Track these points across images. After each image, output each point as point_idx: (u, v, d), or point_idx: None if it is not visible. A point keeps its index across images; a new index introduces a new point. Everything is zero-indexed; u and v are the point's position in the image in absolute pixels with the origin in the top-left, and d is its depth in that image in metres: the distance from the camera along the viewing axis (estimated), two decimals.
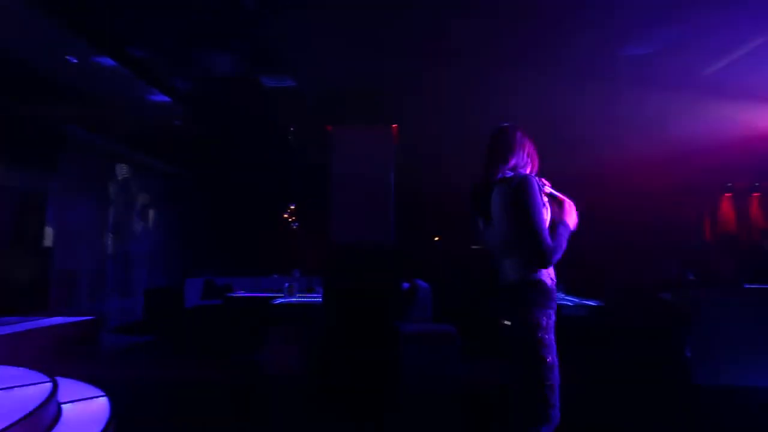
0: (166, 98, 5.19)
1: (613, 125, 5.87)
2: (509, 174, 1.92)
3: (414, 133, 5.25)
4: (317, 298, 5.36)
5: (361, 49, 4.33)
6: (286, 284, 6.15)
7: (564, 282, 5.50)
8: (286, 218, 9.29)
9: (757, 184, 7.94)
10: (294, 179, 8.48)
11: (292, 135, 6.11)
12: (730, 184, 8.30)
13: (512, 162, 1.95)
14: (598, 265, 5.94)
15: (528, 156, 2.00)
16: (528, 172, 1.97)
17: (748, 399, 3.98)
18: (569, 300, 5.31)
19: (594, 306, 5.12)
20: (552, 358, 1.80)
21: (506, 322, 1.82)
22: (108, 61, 4.35)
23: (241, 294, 6.83)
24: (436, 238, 9.23)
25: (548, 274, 1.84)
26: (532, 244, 1.78)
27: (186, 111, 5.66)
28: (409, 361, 4.47)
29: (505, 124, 2.07)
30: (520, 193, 1.81)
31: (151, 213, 8.07)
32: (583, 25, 4.15)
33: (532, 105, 5.27)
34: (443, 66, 4.59)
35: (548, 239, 1.80)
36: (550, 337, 1.80)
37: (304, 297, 5.89)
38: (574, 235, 1.99)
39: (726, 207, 8.44)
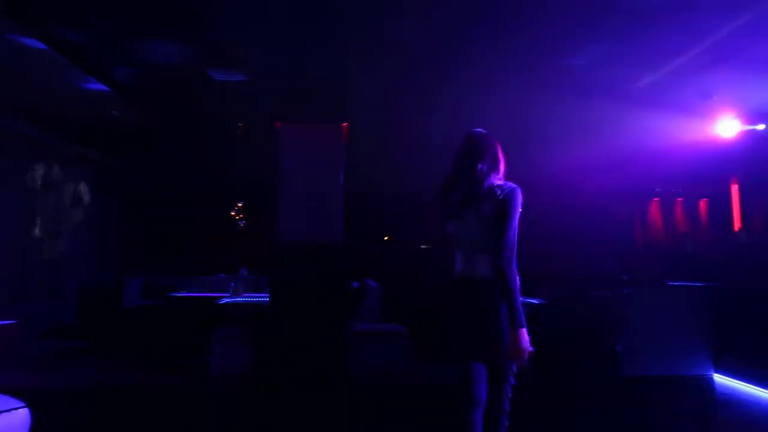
0: (104, 87, 4.88)
1: (552, 131, 6.17)
2: (499, 182, 2.13)
3: (365, 132, 5.25)
4: (265, 298, 5.25)
5: (314, 46, 4.28)
6: (233, 283, 5.97)
7: None
8: (233, 216, 9.01)
9: (680, 190, 8.62)
10: (242, 176, 8.25)
11: (240, 130, 5.93)
12: (658, 190, 8.95)
13: (503, 171, 2.18)
14: (540, 266, 6.22)
15: (503, 164, 2.21)
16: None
17: (670, 387, 4.32)
18: None
19: (537, 304, 5.35)
20: None
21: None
22: (37, 44, 4.03)
23: (183, 294, 6.55)
24: (386, 238, 9.29)
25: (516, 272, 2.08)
26: (499, 247, 2.03)
27: (126, 101, 5.35)
28: (359, 359, 4.48)
29: (482, 131, 2.25)
30: (509, 202, 2.05)
31: (85, 208, 7.56)
32: (530, 31, 4.32)
33: (477, 107, 5.43)
34: (393, 67, 4.63)
35: (509, 250, 2.04)
36: None
37: (251, 296, 5.74)
38: (519, 236, 2.15)
39: (654, 211, 9.10)
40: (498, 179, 2.15)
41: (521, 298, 2.06)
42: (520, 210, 2.08)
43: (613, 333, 4.83)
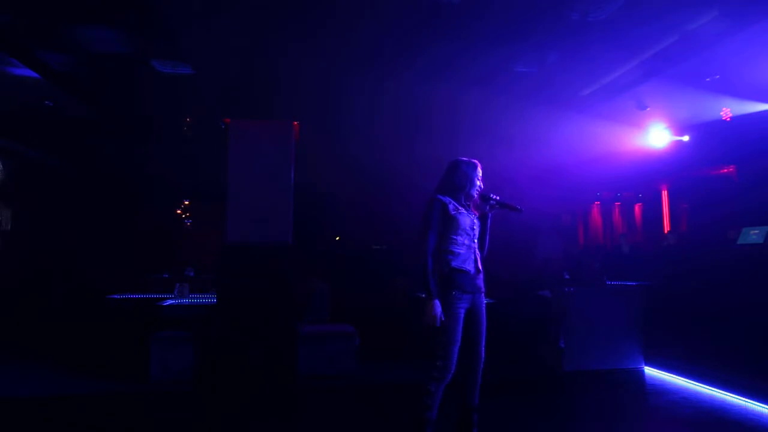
0: (35, 74, 4.54)
1: (500, 135, 6.38)
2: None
3: (316, 131, 5.22)
4: (211, 300, 5.07)
5: (264, 43, 4.19)
6: (177, 285, 5.72)
7: None
8: (179, 215, 8.66)
9: (619, 194, 9.16)
10: (189, 173, 7.94)
11: (187, 126, 5.71)
12: (598, 194, 9.47)
13: (440, 186, 2.70)
14: (486, 267, 6.38)
15: (453, 181, 2.68)
16: (457, 192, 2.68)
17: (606, 380, 4.57)
18: None
19: (486, 303, 5.49)
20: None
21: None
22: None
23: (125, 295, 6.21)
24: (337, 238, 9.24)
25: (460, 263, 2.60)
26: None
27: (60, 91, 5.00)
28: (307, 361, 4.43)
29: (453, 160, 2.74)
30: (425, 209, 2.63)
31: (11, 204, 6.99)
32: (481, 38, 4.45)
33: (430, 109, 5.52)
34: (347, 67, 4.62)
35: (423, 246, 2.57)
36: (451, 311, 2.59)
37: (196, 298, 5.53)
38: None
39: (595, 214, 9.62)
40: (439, 194, 2.66)
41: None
42: (434, 214, 2.60)
43: (555, 330, 5.04)
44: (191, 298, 5.54)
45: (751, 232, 4.78)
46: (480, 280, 2.72)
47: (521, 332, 5.33)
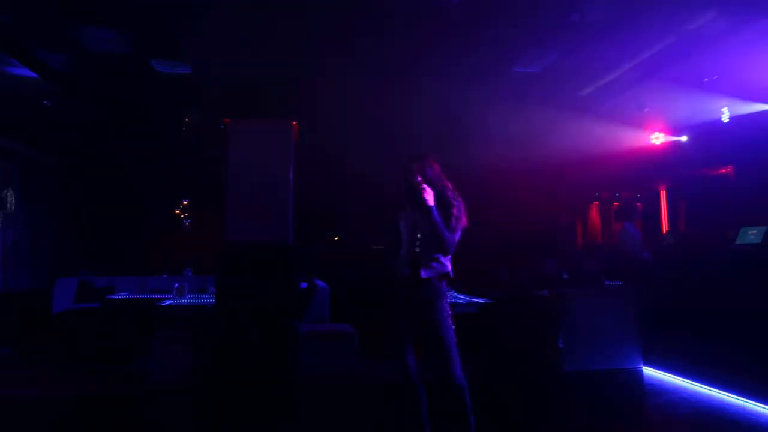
0: (33, 74, 4.54)
1: (500, 135, 6.38)
2: None
3: (315, 131, 5.21)
4: (210, 299, 5.07)
5: (263, 43, 4.19)
6: (176, 284, 5.71)
7: (456, 282, 5.83)
8: (178, 214, 8.66)
9: (617, 194, 9.18)
10: (188, 173, 7.94)
11: (186, 126, 5.71)
12: (597, 194, 9.48)
13: None
14: (486, 267, 6.40)
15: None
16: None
17: (605, 380, 4.58)
18: (461, 298, 5.65)
19: (483, 303, 5.50)
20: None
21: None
22: None
23: (124, 296, 6.21)
24: (336, 238, 9.25)
25: (396, 266, 2.62)
26: None
27: (59, 90, 5.00)
28: (306, 361, 4.43)
29: None
30: None
31: (9, 205, 6.98)
32: (481, 38, 4.46)
33: (429, 109, 5.52)
34: (346, 66, 4.62)
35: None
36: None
37: (196, 298, 5.53)
38: (466, 238, 2.58)
39: (594, 215, 9.63)
40: None
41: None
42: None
43: (554, 330, 5.05)
44: (190, 298, 5.54)
45: (749, 232, 4.80)
46: (419, 284, 2.48)
47: (521, 332, 5.34)
